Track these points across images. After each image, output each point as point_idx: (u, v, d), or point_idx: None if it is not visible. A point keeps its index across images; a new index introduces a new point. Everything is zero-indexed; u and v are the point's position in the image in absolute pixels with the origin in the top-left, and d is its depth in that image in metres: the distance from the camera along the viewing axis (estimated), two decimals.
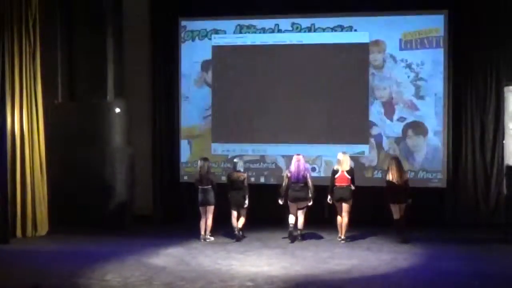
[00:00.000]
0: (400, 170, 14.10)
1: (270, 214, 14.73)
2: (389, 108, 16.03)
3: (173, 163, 17.00)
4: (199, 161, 14.49)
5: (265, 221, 14.84)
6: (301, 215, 14.11)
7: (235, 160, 14.65)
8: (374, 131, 16.09)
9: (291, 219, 14.10)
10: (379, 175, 15.92)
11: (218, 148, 16.76)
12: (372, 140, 16.10)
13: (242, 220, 14.25)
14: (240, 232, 14.21)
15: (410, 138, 15.96)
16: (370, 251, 13.17)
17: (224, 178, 15.43)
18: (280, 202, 14.08)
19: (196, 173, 14.59)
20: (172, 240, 14.12)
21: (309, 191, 13.98)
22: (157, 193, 16.99)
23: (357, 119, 16.13)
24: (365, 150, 16.12)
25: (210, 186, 14.21)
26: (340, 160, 14.13)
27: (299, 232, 14.15)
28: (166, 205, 16.83)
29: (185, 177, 16.73)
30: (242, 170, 14.42)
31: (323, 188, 14.29)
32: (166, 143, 17.05)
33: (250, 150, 16.54)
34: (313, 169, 16.15)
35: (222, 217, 14.42)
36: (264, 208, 14.81)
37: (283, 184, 14.11)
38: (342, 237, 14.03)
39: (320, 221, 14.59)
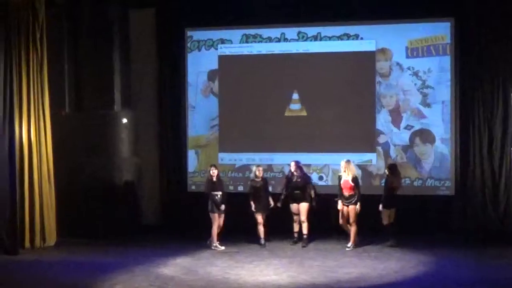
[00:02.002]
0: (395, 176, 14.31)
1: (278, 223, 14.75)
2: (396, 116, 16.09)
3: (180, 173, 17.06)
4: (212, 168, 14.56)
5: (272, 231, 14.83)
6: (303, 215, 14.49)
7: (254, 168, 14.89)
8: (381, 139, 16.13)
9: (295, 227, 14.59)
10: None
11: (225, 158, 16.83)
12: (379, 148, 16.14)
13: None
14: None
15: (417, 146, 16.00)
16: (378, 259, 13.20)
17: (231, 188, 15.61)
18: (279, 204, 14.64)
19: (207, 179, 14.70)
20: (180, 249, 14.18)
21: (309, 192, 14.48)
22: (164, 202, 17.06)
23: (364, 128, 16.19)
24: (373, 159, 16.17)
25: (221, 193, 14.41)
26: (342, 166, 14.29)
27: (304, 237, 14.52)
28: (174, 214, 16.87)
29: (193, 187, 16.80)
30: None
31: (331, 197, 14.44)
32: (173, 153, 17.12)
33: (257, 159, 16.55)
34: (321, 178, 16.26)
35: (232, 226, 14.58)
36: (271, 217, 14.78)
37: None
38: (349, 245, 14.17)
39: (328, 229, 14.66)
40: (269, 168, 16.52)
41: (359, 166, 16.11)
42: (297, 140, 16.41)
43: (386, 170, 14.75)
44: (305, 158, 16.04)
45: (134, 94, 16.80)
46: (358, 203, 14.07)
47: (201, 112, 16.99)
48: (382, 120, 16.15)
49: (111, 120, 16.17)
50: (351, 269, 12.39)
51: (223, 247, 14.29)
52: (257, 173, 14.63)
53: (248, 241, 14.63)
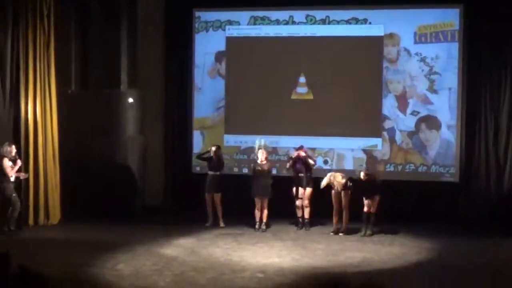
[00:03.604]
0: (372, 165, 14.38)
1: (282, 206, 14.75)
2: (402, 101, 16.07)
3: (185, 154, 17.07)
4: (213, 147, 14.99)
5: (276, 213, 14.84)
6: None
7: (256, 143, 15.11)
8: (387, 124, 16.13)
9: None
10: (392, 169, 16.04)
11: (231, 140, 16.84)
12: (385, 133, 16.13)
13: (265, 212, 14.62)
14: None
15: (423, 132, 15.99)
16: (381, 244, 13.26)
17: (236, 170, 15.77)
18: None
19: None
20: (184, 230, 14.26)
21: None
22: (168, 183, 17.10)
23: (370, 112, 16.17)
24: (378, 144, 16.16)
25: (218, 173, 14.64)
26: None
27: (306, 221, 14.58)
28: (178, 195, 16.94)
29: (197, 168, 16.76)
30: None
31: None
32: (179, 134, 17.13)
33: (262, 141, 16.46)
34: (325, 162, 16.26)
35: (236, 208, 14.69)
36: (276, 200, 14.74)
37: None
38: (338, 229, 14.23)
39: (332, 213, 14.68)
40: (274, 151, 16.50)
41: (364, 151, 16.14)
42: (302, 124, 16.41)
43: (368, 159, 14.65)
44: (310, 141, 16.08)
45: (140, 74, 16.78)
46: (349, 183, 14.02)
47: (207, 93, 16.97)
48: (389, 105, 16.13)
49: (117, 100, 16.18)
50: (354, 253, 12.44)
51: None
52: (259, 155, 14.62)
53: (252, 224, 14.61)
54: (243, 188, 14.85)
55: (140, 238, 13.39)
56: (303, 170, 14.42)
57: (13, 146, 13.85)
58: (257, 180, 14.51)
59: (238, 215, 14.85)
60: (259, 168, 14.52)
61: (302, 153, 14.53)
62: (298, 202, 14.57)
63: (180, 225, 14.90)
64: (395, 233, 14.22)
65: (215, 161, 14.96)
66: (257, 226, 14.45)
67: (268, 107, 16.61)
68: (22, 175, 14.09)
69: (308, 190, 14.49)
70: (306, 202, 14.51)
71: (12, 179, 13.79)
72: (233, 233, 14.15)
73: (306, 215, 14.58)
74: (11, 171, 13.70)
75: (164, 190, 17.13)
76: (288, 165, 14.67)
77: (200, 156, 15.44)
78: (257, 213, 14.49)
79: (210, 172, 14.96)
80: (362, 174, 14.12)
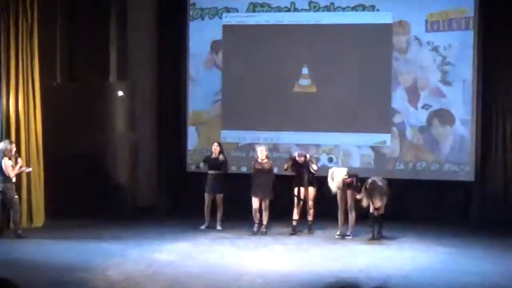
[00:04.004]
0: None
1: (283, 208, 14.83)
2: (413, 94, 16.13)
3: (179, 151, 17.15)
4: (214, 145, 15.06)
5: (277, 216, 14.84)
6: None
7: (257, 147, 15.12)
8: (397, 119, 16.19)
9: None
10: (402, 167, 16.10)
11: (228, 136, 16.88)
12: (394, 129, 16.19)
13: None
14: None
15: (435, 127, 16.04)
16: (390, 248, 13.34)
17: (234, 168, 15.91)
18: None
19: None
20: (178, 233, 14.33)
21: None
22: (162, 182, 17.19)
23: (379, 106, 16.22)
24: (387, 140, 16.22)
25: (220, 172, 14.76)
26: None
27: (309, 223, 14.63)
28: (172, 195, 17.00)
29: (192, 166, 16.80)
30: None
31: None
32: (172, 129, 17.21)
33: (262, 138, 16.58)
34: (330, 160, 16.34)
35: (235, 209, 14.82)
36: (277, 202, 14.77)
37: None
38: (348, 233, 14.25)
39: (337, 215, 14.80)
40: (274, 147, 16.55)
41: (372, 148, 16.23)
42: (305, 118, 16.47)
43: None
44: (314, 137, 16.23)
45: (131, 65, 16.78)
46: (353, 181, 14.06)
47: (203, 85, 17.03)
48: (398, 98, 16.19)
49: (106, 92, 16.23)
50: (360, 257, 12.51)
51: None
52: (259, 153, 14.73)
53: (250, 227, 14.62)
54: (242, 189, 14.88)
55: (131, 242, 13.43)
56: (304, 168, 14.43)
57: (13, 144, 13.92)
58: (257, 180, 14.59)
59: (236, 218, 14.97)
60: (260, 167, 14.60)
61: (302, 158, 14.49)
62: (298, 203, 14.54)
63: (174, 228, 14.92)
64: (405, 236, 14.28)
65: (216, 159, 14.94)
66: (255, 229, 14.48)
67: (268, 101, 16.65)
68: (26, 169, 14.16)
69: (311, 190, 14.52)
70: (310, 203, 14.51)
71: (14, 179, 13.87)
72: (230, 236, 14.20)
73: (310, 217, 14.59)
74: (13, 171, 13.75)
75: (157, 190, 17.22)
76: (286, 165, 14.67)
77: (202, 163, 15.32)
78: (255, 215, 14.53)
79: (211, 172, 14.94)
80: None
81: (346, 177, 14.06)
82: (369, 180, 13.86)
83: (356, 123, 16.26)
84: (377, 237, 13.96)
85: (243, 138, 16.87)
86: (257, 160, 14.74)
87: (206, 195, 14.95)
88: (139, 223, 15.34)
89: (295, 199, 14.55)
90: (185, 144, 17.14)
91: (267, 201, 14.52)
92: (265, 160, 14.66)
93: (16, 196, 13.89)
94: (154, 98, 17.30)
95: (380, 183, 13.82)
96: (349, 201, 14.15)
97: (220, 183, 14.95)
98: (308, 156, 14.64)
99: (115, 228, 14.73)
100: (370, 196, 13.77)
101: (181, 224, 15.29)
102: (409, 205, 15.82)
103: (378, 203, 13.78)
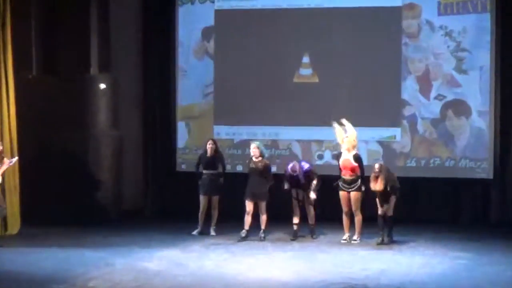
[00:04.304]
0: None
1: (283, 211, 14.71)
2: (425, 84, 16.08)
3: (168, 149, 17.10)
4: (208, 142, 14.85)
5: (276, 220, 14.80)
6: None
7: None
8: (407, 111, 16.15)
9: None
10: (413, 164, 16.04)
11: (222, 131, 16.85)
12: (404, 122, 16.16)
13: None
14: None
15: (449, 120, 16.01)
16: (402, 253, 13.23)
17: (229, 167, 15.82)
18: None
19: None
20: (167, 239, 14.27)
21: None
22: (149, 183, 17.16)
23: (387, 97, 16.19)
24: (397, 134, 16.19)
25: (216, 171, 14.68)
26: (336, 133, 14.15)
27: (312, 227, 14.54)
28: (160, 198, 16.99)
29: (183, 166, 16.84)
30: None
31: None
32: (160, 125, 17.17)
33: (260, 133, 16.59)
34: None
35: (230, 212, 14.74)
36: (276, 204, 14.62)
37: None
38: (355, 237, 14.13)
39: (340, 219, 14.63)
40: (273, 144, 16.53)
41: (380, 143, 16.15)
42: (307, 111, 16.40)
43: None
44: (317, 132, 16.16)
45: (114, 55, 16.74)
46: (363, 187, 13.89)
47: (194, 77, 17.01)
48: (409, 88, 16.16)
49: (87, 86, 16.19)
50: (369, 264, 12.34)
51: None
52: (251, 151, 14.45)
53: (250, 232, 14.50)
54: (237, 190, 14.75)
55: (116, 249, 13.36)
56: (301, 175, 14.17)
57: (0, 143, 13.95)
58: (249, 181, 14.39)
59: (231, 222, 14.85)
60: (253, 166, 14.37)
61: (296, 168, 14.21)
62: (296, 204, 14.42)
63: (163, 233, 14.90)
64: (417, 240, 14.22)
65: (211, 158, 14.76)
66: (242, 234, 14.28)
67: (266, 93, 16.62)
68: (10, 162, 14.04)
69: (312, 194, 14.32)
70: (310, 206, 14.38)
71: (0, 180, 13.86)
72: (225, 243, 14.13)
73: (311, 221, 14.49)
74: None
75: (144, 191, 17.21)
76: (284, 186, 14.36)
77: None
78: (247, 219, 14.29)
79: (206, 171, 14.75)
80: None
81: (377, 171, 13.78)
82: (377, 165, 13.89)
83: (363, 116, 15.98)
84: (387, 241, 13.90)
85: (238, 134, 16.83)
86: (251, 159, 14.50)
87: (202, 198, 14.81)
88: (125, 228, 15.34)
89: (293, 201, 14.44)
90: (174, 141, 17.12)
91: (263, 204, 14.31)
92: (259, 159, 14.39)
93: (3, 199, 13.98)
94: (140, 91, 17.27)
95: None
96: (355, 203, 13.98)
97: (217, 184, 14.77)
98: (312, 168, 14.47)
99: (98, 234, 14.68)
100: (387, 178, 13.63)
101: (170, 229, 15.28)
102: (421, 205, 15.92)
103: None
